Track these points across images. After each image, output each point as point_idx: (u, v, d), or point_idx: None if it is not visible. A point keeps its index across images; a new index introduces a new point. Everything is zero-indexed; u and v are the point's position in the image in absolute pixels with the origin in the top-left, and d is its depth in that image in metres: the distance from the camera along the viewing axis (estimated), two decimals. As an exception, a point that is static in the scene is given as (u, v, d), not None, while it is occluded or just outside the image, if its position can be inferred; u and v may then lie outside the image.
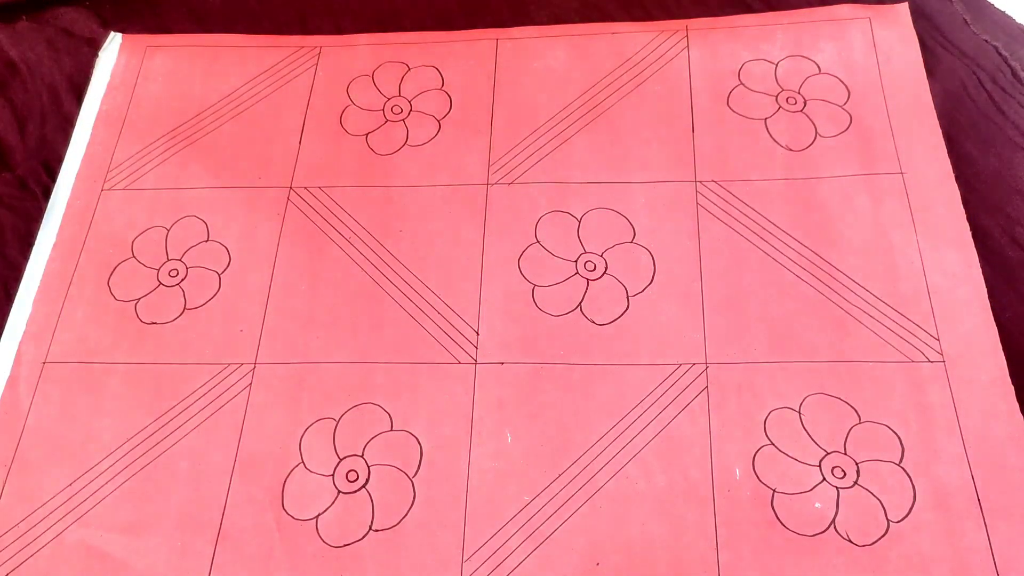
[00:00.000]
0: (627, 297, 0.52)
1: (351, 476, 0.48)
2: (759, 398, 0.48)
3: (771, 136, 0.57)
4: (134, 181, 0.60)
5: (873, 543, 0.44)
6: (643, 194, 0.56)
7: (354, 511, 0.47)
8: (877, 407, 0.47)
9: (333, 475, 0.48)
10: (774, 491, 0.46)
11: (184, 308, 0.54)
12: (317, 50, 0.65)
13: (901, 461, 0.46)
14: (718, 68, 0.60)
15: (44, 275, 0.57)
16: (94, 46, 0.68)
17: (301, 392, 0.51)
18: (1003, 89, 0.57)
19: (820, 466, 0.46)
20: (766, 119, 0.58)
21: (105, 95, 0.65)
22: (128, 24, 0.68)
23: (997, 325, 0.49)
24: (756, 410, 0.48)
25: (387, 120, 0.61)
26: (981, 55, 0.59)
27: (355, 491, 0.48)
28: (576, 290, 0.53)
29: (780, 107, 0.58)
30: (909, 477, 0.45)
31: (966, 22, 0.60)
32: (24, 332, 0.55)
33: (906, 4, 0.60)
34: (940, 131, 0.55)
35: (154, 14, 0.69)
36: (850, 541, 0.44)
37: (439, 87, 0.62)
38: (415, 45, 0.64)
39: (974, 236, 0.52)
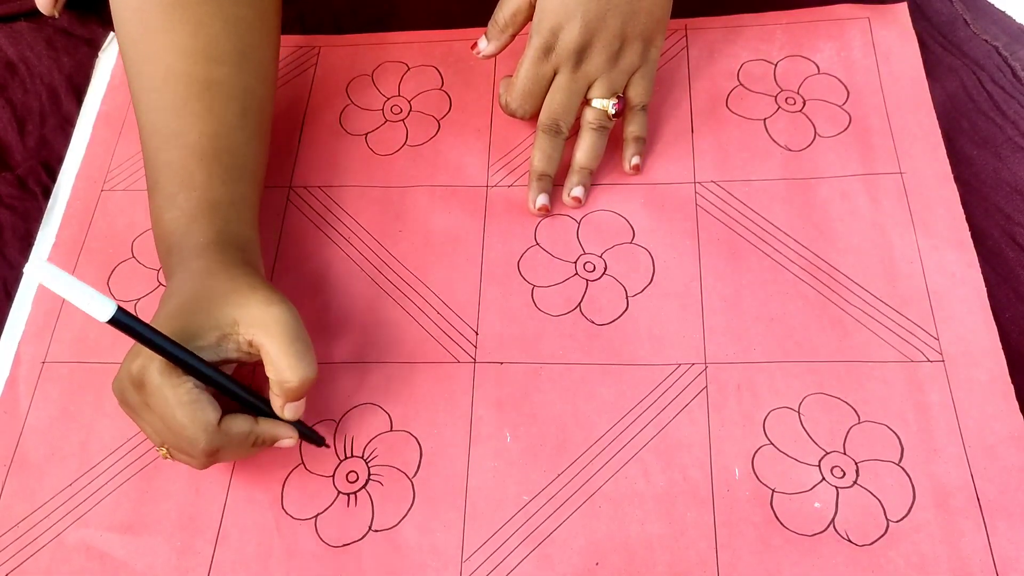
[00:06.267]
0: (626, 297, 0.52)
1: (351, 477, 0.48)
2: (758, 398, 0.48)
3: (770, 136, 0.57)
4: (134, 182, 0.60)
5: (872, 543, 0.44)
6: (642, 195, 0.56)
7: (354, 511, 0.47)
8: (876, 407, 0.47)
9: (333, 476, 0.48)
10: (773, 491, 0.46)
11: (184, 308, 0.54)
12: (316, 50, 0.65)
13: (900, 461, 0.46)
14: (717, 68, 0.60)
15: (44, 275, 0.57)
16: (94, 46, 0.68)
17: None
18: (1003, 89, 0.57)
19: (819, 466, 0.46)
20: (765, 119, 0.58)
21: (105, 95, 0.65)
22: (128, 24, 0.68)
23: (996, 325, 0.49)
24: (755, 410, 0.48)
25: (386, 120, 0.61)
26: (981, 55, 0.59)
27: (355, 491, 0.48)
28: (575, 290, 0.53)
29: (779, 107, 0.58)
30: (908, 477, 0.45)
31: (966, 22, 0.60)
32: (24, 332, 0.55)
33: (904, 4, 0.60)
34: (939, 131, 0.55)
35: (154, 14, 0.69)
36: (849, 541, 0.44)
37: (439, 87, 0.62)
38: (415, 45, 0.64)
39: (973, 236, 0.51)
